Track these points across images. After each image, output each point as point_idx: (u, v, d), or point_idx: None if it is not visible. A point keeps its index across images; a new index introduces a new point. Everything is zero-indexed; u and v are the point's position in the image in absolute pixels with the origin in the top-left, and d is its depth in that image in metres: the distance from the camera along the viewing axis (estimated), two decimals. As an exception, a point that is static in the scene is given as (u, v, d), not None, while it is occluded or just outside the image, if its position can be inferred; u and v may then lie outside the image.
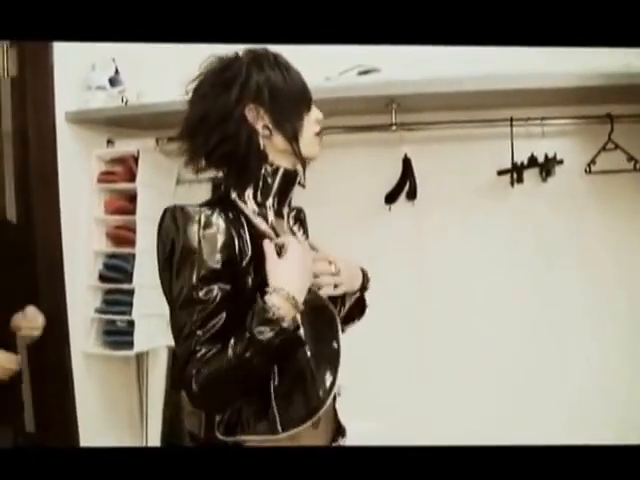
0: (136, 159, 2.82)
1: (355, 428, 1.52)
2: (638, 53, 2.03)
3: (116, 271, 2.85)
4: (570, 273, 2.60)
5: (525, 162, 2.50)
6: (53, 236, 2.71)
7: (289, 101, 1.37)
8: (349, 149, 2.74)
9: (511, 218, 2.64)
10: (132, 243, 2.82)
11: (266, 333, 1.22)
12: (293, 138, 1.37)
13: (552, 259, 2.61)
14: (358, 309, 1.60)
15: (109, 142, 2.97)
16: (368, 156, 2.79)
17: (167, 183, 2.91)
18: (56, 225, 2.72)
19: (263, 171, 1.38)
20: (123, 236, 2.87)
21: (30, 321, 2.26)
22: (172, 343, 1.30)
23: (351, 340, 1.57)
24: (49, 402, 2.61)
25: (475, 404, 2.64)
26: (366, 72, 2.46)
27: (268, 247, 1.32)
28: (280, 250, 1.34)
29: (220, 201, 1.39)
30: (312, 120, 1.41)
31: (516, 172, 2.50)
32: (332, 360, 1.37)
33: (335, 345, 1.38)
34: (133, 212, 2.80)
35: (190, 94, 1.39)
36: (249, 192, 1.39)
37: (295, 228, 1.53)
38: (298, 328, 1.27)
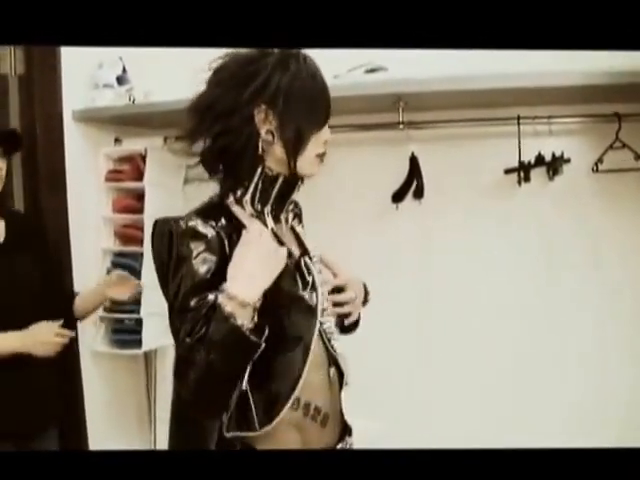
0: (144, 157, 2.83)
1: (359, 427, 1.52)
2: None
3: (124, 269, 2.85)
4: (576, 272, 2.60)
5: (532, 161, 2.50)
6: (61, 234, 2.72)
7: (302, 114, 1.31)
8: (356, 147, 2.74)
9: (518, 216, 2.64)
10: (140, 241, 2.83)
11: (217, 331, 1.20)
12: (292, 153, 1.32)
13: (559, 257, 2.61)
14: (354, 325, 1.58)
15: (117, 140, 2.98)
16: (375, 154, 2.79)
17: (175, 182, 2.92)
18: (64, 223, 2.74)
19: (262, 177, 1.35)
20: (131, 235, 2.89)
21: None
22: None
23: (355, 338, 1.58)
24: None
25: (479, 404, 2.65)
26: (373, 70, 2.46)
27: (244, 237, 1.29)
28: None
29: (212, 207, 1.36)
30: (320, 140, 1.36)
31: (523, 171, 2.49)
32: (302, 356, 1.32)
33: (307, 341, 1.34)
34: (141, 211, 2.80)
35: (210, 72, 1.34)
36: (247, 197, 1.36)
37: (295, 223, 1.52)
38: (258, 328, 1.24)
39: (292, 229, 1.50)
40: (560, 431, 2.46)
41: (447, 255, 2.73)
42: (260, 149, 1.32)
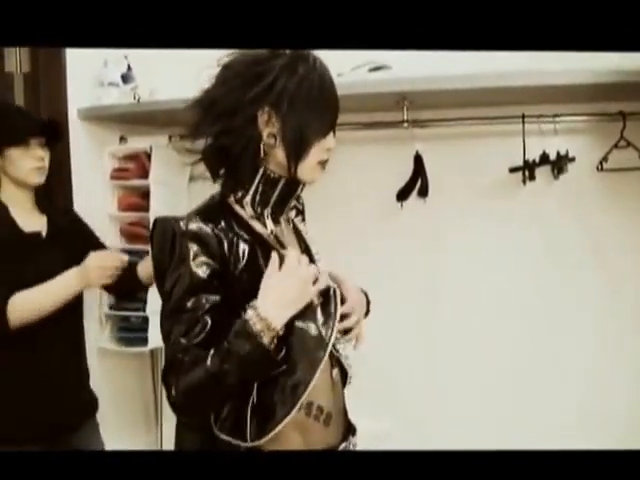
0: (149, 155, 2.83)
1: (363, 427, 1.52)
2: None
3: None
4: (581, 271, 2.60)
5: (537, 159, 2.49)
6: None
7: (306, 119, 1.29)
8: (360, 146, 2.74)
9: (523, 215, 2.64)
10: (145, 239, 2.82)
11: (242, 346, 1.20)
12: (294, 159, 1.31)
13: (563, 256, 2.60)
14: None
15: (122, 139, 2.99)
16: (379, 153, 2.79)
17: (180, 180, 2.92)
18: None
19: (263, 179, 1.34)
20: (136, 233, 2.89)
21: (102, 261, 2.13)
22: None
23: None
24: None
25: (482, 404, 2.65)
26: (377, 69, 2.45)
27: (274, 259, 1.29)
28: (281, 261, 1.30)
29: (213, 207, 1.36)
30: (323, 147, 1.34)
31: (528, 169, 2.49)
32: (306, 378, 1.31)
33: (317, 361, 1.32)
34: (146, 209, 2.81)
35: (218, 68, 1.33)
36: (248, 198, 1.35)
37: (298, 220, 1.52)
38: (280, 350, 1.25)
39: (294, 227, 1.50)
40: (562, 432, 2.46)
41: (451, 254, 2.73)
42: (262, 151, 1.31)
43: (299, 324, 1.31)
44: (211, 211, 1.34)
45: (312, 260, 1.43)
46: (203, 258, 1.26)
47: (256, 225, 1.36)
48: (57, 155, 2.29)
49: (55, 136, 2.24)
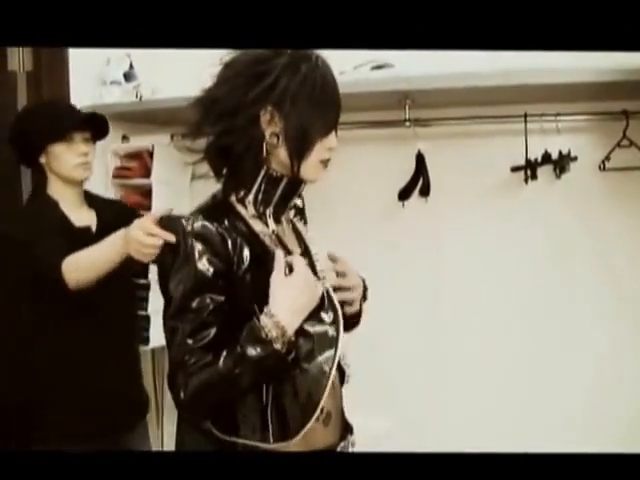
0: (151, 154, 2.83)
1: (361, 425, 1.52)
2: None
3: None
4: (583, 270, 2.59)
5: (539, 159, 2.48)
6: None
7: (309, 118, 1.29)
8: (362, 145, 2.73)
9: (525, 215, 2.63)
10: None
11: (256, 352, 1.21)
12: (296, 158, 1.31)
13: (565, 256, 2.60)
14: (354, 320, 1.56)
15: (124, 137, 2.98)
16: (381, 152, 2.78)
17: (182, 179, 2.92)
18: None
19: (265, 178, 1.34)
20: (138, 231, 2.88)
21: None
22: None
23: (359, 336, 1.58)
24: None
25: (483, 405, 2.64)
26: (379, 67, 2.45)
27: (279, 261, 1.29)
28: (290, 268, 1.30)
29: (215, 206, 1.36)
30: (325, 146, 1.34)
31: (530, 169, 2.48)
32: (322, 378, 1.32)
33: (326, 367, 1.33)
34: (148, 207, 2.80)
35: (220, 66, 1.33)
36: (250, 197, 1.35)
37: (296, 220, 1.51)
38: (290, 352, 1.26)
39: (293, 227, 1.49)
40: (562, 432, 2.47)
41: (453, 253, 2.72)
42: (264, 151, 1.31)
43: (307, 326, 1.31)
44: (215, 210, 1.34)
45: (311, 261, 1.43)
46: (208, 257, 1.26)
47: (258, 225, 1.36)
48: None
49: (100, 130, 2.23)
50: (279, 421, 1.29)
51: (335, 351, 1.33)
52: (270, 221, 1.38)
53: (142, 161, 2.87)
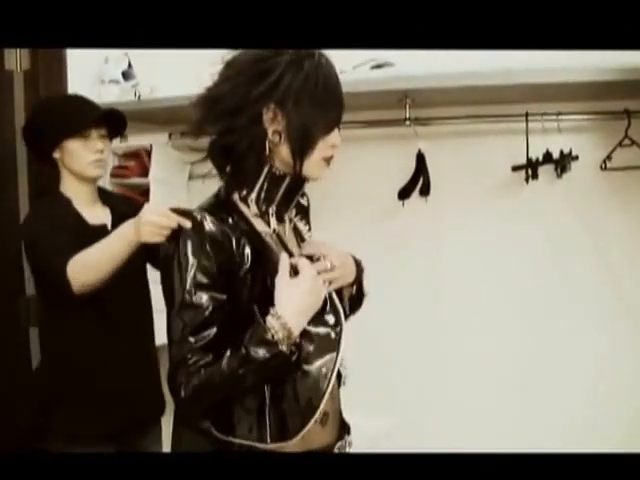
0: (149, 153, 2.82)
1: (359, 425, 1.52)
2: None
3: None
4: (584, 270, 2.58)
5: (540, 158, 2.48)
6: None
7: (311, 116, 1.29)
8: (362, 144, 2.73)
9: (525, 214, 2.62)
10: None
11: (261, 353, 1.21)
12: (299, 156, 1.31)
13: (566, 255, 2.59)
14: (356, 300, 1.54)
15: (122, 136, 2.97)
16: (381, 151, 2.77)
17: (180, 178, 2.91)
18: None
19: (268, 176, 1.33)
20: (136, 230, 2.87)
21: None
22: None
23: (359, 335, 1.57)
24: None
25: (483, 404, 2.64)
26: (380, 66, 2.44)
27: (284, 262, 1.29)
28: (295, 270, 1.30)
29: (219, 204, 1.35)
30: (328, 144, 1.33)
31: (531, 168, 2.48)
32: (324, 379, 1.32)
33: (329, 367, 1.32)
34: (146, 207, 2.80)
35: (222, 65, 1.32)
36: (253, 196, 1.35)
37: (297, 219, 1.50)
38: (293, 353, 1.26)
39: (294, 226, 1.49)
40: (563, 433, 2.46)
41: (453, 252, 2.72)
42: (267, 149, 1.30)
43: (309, 328, 1.31)
44: (219, 208, 1.33)
45: (311, 260, 1.42)
46: (214, 254, 1.25)
47: (260, 224, 1.36)
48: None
49: (117, 127, 2.18)
50: (277, 422, 1.29)
51: (337, 354, 1.33)
52: (272, 220, 1.38)
53: (140, 160, 2.87)
